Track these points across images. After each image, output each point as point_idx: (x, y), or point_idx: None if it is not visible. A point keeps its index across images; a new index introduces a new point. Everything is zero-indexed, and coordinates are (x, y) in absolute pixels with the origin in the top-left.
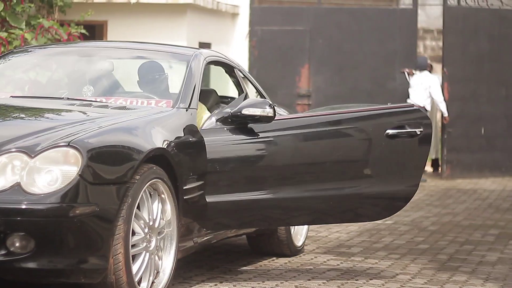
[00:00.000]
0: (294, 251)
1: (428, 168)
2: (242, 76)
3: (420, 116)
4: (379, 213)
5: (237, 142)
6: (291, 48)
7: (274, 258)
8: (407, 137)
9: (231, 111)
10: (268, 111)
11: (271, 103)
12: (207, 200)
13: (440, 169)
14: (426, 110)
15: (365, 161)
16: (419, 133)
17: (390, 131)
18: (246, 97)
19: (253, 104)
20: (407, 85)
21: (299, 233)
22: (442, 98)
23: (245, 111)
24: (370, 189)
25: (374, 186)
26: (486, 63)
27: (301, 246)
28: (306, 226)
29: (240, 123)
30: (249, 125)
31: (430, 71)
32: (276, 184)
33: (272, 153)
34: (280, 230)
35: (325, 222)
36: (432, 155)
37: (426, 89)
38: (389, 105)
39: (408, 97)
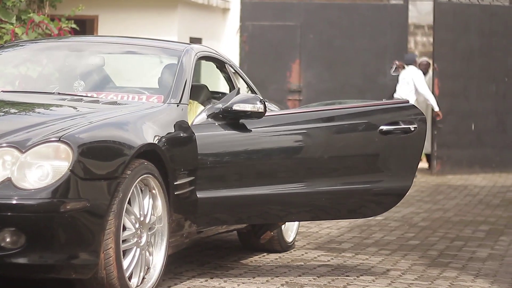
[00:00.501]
0: (285, 247)
1: (424, 163)
2: (233, 71)
3: (414, 112)
4: (373, 209)
5: (228, 138)
6: (281, 44)
7: (265, 254)
8: (401, 133)
9: (222, 107)
10: (258, 107)
11: (262, 98)
12: (198, 195)
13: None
14: None
15: (359, 157)
16: (413, 129)
17: (384, 127)
18: (238, 92)
19: (244, 99)
20: (397, 80)
21: (290, 229)
22: (429, 92)
23: (236, 107)
24: (364, 185)
25: (368, 183)
26: (477, 59)
27: (291, 242)
28: (296, 222)
29: (231, 119)
30: (240, 121)
31: (425, 70)
32: (269, 179)
33: (264, 148)
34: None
35: (319, 219)
36: (428, 151)
37: (408, 84)
38: (383, 101)
39: (395, 91)
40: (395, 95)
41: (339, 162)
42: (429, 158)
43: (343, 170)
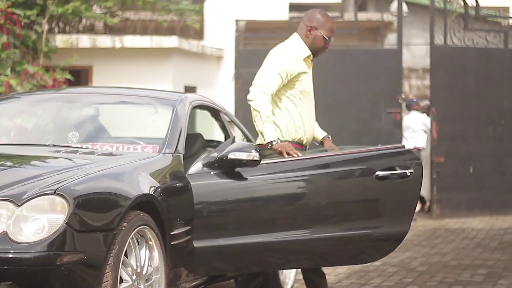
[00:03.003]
0: None
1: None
2: (228, 120)
3: (410, 157)
4: (371, 255)
5: (223, 186)
6: None
7: None
8: (398, 178)
9: (218, 156)
10: (254, 155)
11: (257, 147)
12: (194, 245)
13: (425, 205)
14: (419, 150)
15: (356, 203)
16: (409, 174)
17: (380, 173)
18: (233, 141)
19: (239, 148)
20: (393, 126)
21: (288, 276)
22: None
23: (232, 155)
24: (362, 231)
25: (366, 229)
26: (473, 102)
27: None
28: (294, 270)
29: (226, 167)
30: (236, 169)
31: (425, 112)
32: (266, 227)
33: (260, 196)
34: (268, 274)
35: (318, 266)
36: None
37: (415, 131)
38: (379, 146)
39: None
40: (407, 145)
41: (336, 209)
42: (421, 200)
43: (340, 217)
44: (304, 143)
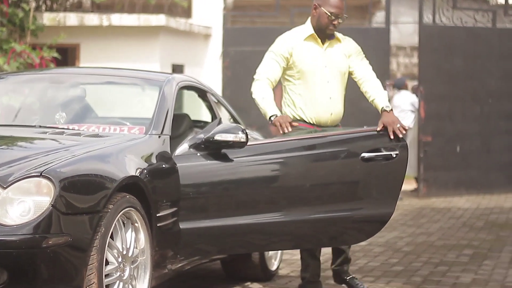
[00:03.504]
0: (269, 275)
1: (413, 185)
2: (215, 100)
3: (396, 139)
4: (355, 237)
5: (210, 168)
6: None
7: (249, 282)
8: (383, 160)
9: (204, 137)
10: (240, 137)
11: (243, 128)
12: (180, 226)
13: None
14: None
15: (341, 185)
16: (395, 156)
17: (365, 155)
18: (219, 122)
19: (226, 129)
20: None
21: (273, 257)
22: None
23: (218, 137)
24: (347, 213)
25: (351, 210)
26: (461, 81)
27: (275, 270)
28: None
29: (213, 149)
30: (222, 151)
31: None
32: (251, 209)
33: (245, 178)
34: (254, 255)
35: (301, 247)
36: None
37: (403, 110)
38: (364, 128)
39: None
40: None
41: (321, 191)
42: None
43: (325, 198)
44: (313, 122)
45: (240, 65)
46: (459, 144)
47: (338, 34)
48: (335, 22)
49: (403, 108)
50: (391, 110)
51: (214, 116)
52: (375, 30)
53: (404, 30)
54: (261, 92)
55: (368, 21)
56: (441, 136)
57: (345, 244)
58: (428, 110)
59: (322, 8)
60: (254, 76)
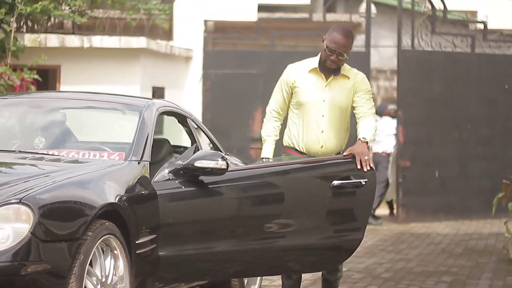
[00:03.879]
0: None
1: (385, 210)
2: (195, 126)
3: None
4: (323, 264)
5: (187, 195)
6: (244, 92)
7: None
8: (353, 188)
9: (183, 163)
10: (221, 163)
11: (223, 155)
12: (160, 253)
13: (394, 211)
14: (389, 155)
15: (311, 212)
16: (364, 183)
17: (335, 182)
18: (196, 148)
19: (205, 156)
20: None
21: (252, 283)
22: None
23: (198, 164)
24: (317, 241)
25: (320, 238)
26: (440, 106)
27: None
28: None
29: (191, 175)
30: (200, 178)
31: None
32: (227, 236)
33: (222, 205)
34: (233, 281)
35: (274, 274)
36: (387, 198)
37: (388, 136)
38: (333, 156)
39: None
40: (376, 148)
41: (293, 218)
42: (390, 204)
43: (297, 226)
44: (304, 151)
45: (220, 87)
46: (437, 169)
47: (351, 71)
48: (333, 58)
49: (388, 133)
50: (367, 142)
51: (194, 141)
52: (355, 54)
53: (385, 53)
54: (265, 131)
55: None
56: (420, 161)
57: (315, 271)
58: (407, 135)
59: (324, 42)
60: (266, 109)
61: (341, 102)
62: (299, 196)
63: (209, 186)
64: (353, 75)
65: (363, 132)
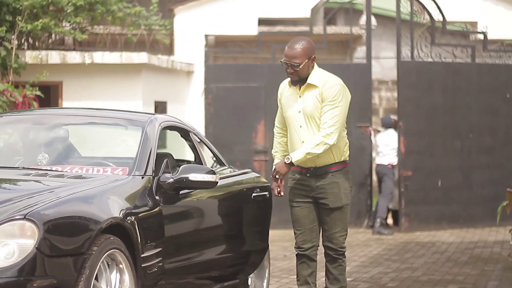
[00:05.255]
0: None
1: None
2: (198, 140)
3: (263, 180)
4: (247, 270)
5: (187, 207)
6: (246, 105)
7: None
8: (261, 199)
9: (175, 178)
10: (215, 177)
11: (212, 169)
12: (165, 266)
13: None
14: (393, 167)
15: (231, 224)
16: (268, 196)
17: (253, 194)
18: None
19: (197, 169)
20: (363, 139)
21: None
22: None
23: (193, 178)
24: (235, 250)
25: (237, 247)
26: (441, 116)
27: None
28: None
29: (184, 189)
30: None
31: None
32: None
33: (196, 218)
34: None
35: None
36: (394, 207)
37: (393, 148)
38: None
39: (377, 154)
40: (381, 161)
41: (219, 229)
42: (394, 214)
43: (222, 237)
44: (297, 164)
45: (222, 101)
46: (440, 179)
47: (321, 80)
48: (289, 70)
49: (393, 147)
50: (290, 163)
51: (197, 154)
52: (356, 66)
53: (386, 64)
54: (273, 148)
55: (349, 56)
56: (422, 170)
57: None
58: (408, 145)
59: None
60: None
61: (312, 111)
62: (219, 210)
63: (195, 199)
64: (322, 83)
65: (295, 152)
